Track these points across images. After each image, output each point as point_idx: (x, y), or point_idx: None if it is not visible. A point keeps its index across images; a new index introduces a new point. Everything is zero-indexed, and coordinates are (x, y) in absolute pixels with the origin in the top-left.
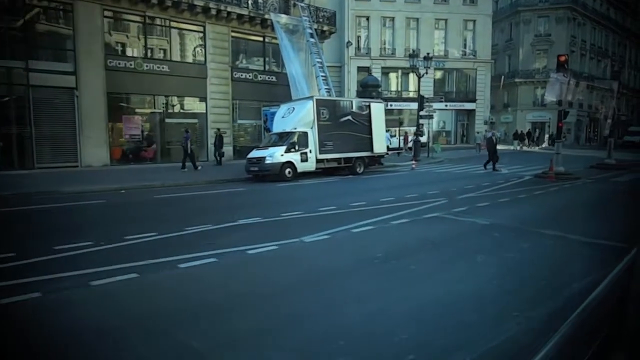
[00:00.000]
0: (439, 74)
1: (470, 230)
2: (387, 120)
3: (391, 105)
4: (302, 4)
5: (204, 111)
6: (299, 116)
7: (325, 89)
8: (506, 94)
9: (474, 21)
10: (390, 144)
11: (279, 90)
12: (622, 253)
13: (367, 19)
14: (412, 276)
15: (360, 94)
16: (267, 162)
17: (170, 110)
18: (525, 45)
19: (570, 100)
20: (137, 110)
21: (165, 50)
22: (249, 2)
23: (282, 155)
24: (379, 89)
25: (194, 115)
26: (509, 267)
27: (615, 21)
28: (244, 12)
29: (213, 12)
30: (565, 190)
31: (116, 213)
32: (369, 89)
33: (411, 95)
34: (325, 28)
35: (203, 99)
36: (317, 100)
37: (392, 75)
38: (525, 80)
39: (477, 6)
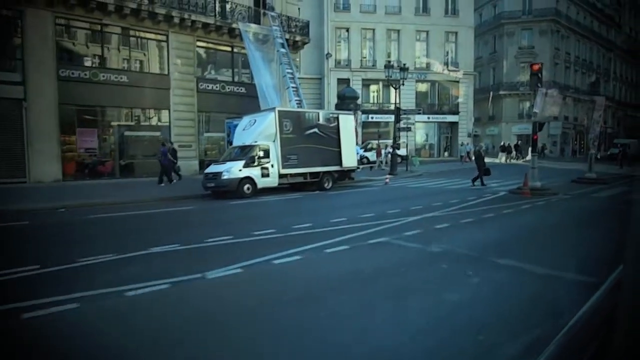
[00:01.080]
0: (423, 87)
1: (415, 260)
2: (367, 133)
3: (372, 118)
4: (273, 14)
5: (167, 124)
6: (260, 129)
7: (296, 100)
8: (491, 106)
9: (456, 33)
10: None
11: (249, 102)
12: (589, 290)
13: (347, 30)
14: (313, 326)
15: (338, 106)
16: (224, 177)
17: (130, 123)
18: (510, 57)
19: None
20: (93, 122)
21: (124, 60)
22: (216, 10)
23: (240, 170)
24: (357, 101)
25: (156, 128)
26: (441, 315)
27: (599, 34)
28: (210, 21)
29: (176, 20)
30: (538, 208)
31: (29, 236)
32: (346, 100)
33: (392, 107)
34: (298, 38)
35: (166, 111)
36: (279, 111)
37: (373, 88)
38: (510, 92)
39: (458, 18)
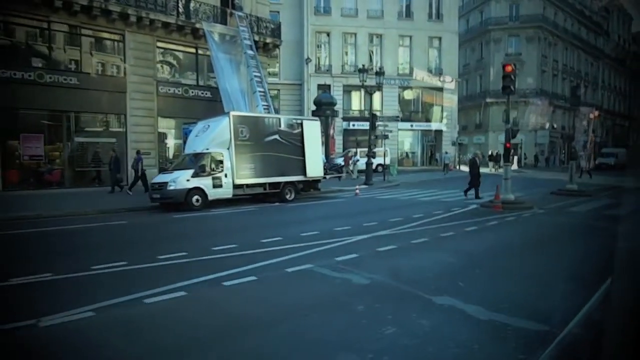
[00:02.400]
0: (406, 94)
1: (329, 297)
2: (351, 142)
3: (354, 125)
4: (240, 13)
5: (124, 129)
6: (212, 135)
7: (264, 105)
8: (478, 114)
9: (440, 38)
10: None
11: (215, 107)
12: (543, 344)
13: (328, 34)
14: None
15: (314, 113)
16: (170, 188)
17: (81, 128)
18: (496, 64)
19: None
20: (39, 127)
21: (75, 62)
22: (178, 9)
23: (188, 180)
24: (335, 107)
25: (111, 133)
26: None
27: (587, 41)
28: (171, 20)
29: (133, 19)
30: (506, 225)
31: None
32: (323, 107)
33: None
34: (269, 40)
35: (122, 115)
36: (234, 116)
37: (355, 94)
38: (496, 100)
39: (442, 23)
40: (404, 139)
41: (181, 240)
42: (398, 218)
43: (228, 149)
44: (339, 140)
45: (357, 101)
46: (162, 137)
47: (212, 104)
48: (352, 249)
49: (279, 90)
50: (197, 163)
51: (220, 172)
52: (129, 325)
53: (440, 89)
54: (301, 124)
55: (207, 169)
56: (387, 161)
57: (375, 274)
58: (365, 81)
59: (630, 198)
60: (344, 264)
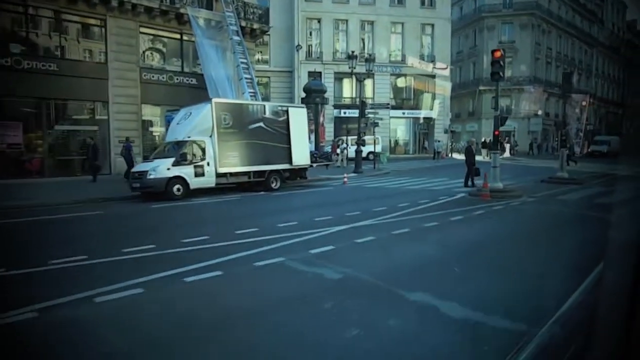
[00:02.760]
0: (399, 81)
1: (296, 293)
2: (340, 129)
3: (345, 113)
4: None
5: (106, 117)
6: (193, 122)
7: (250, 92)
8: (471, 102)
9: (432, 25)
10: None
11: (201, 94)
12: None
13: (319, 21)
14: None
15: (304, 100)
16: (150, 177)
17: (62, 116)
18: (490, 52)
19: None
20: (17, 115)
21: (55, 47)
22: None
23: (168, 169)
24: (324, 95)
25: (93, 121)
26: None
27: (581, 29)
28: (154, 5)
29: (114, 3)
30: (492, 215)
31: None
32: (312, 94)
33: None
34: (256, 26)
35: (104, 103)
36: (216, 103)
37: (346, 81)
38: (490, 88)
39: (435, 9)
40: (396, 126)
41: (153, 231)
42: (382, 207)
43: (210, 136)
44: (330, 128)
45: (348, 89)
46: (146, 124)
47: (198, 91)
48: (330, 241)
49: (269, 77)
50: (178, 151)
51: (202, 160)
52: (72, 328)
53: (433, 76)
54: (287, 111)
55: (189, 157)
56: (379, 149)
57: (350, 267)
58: (355, 68)
59: (622, 185)
60: (318, 257)
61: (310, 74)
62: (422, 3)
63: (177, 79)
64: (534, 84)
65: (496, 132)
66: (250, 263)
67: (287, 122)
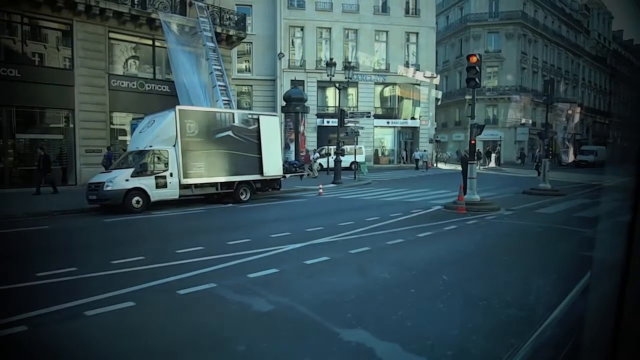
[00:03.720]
0: (383, 90)
1: (216, 328)
2: (323, 139)
3: (329, 122)
4: (200, 4)
5: (72, 125)
6: (156, 131)
7: (224, 100)
8: (457, 111)
9: (417, 34)
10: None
11: (174, 102)
12: None
13: (302, 29)
14: None
15: (284, 109)
16: (107, 189)
17: (24, 124)
18: None
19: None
20: None
21: (16, 52)
22: None
23: (126, 180)
24: (304, 103)
25: (57, 130)
26: None
27: (567, 39)
28: (123, 9)
29: (81, 7)
30: (464, 230)
31: None
32: (292, 102)
33: (350, 111)
34: (232, 32)
35: (70, 110)
36: (180, 111)
37: (330, 90)
38: (476, 97)
39: (419, 18)
40: (380, 136)
41: (84, 251)
42: (349, 221)
43: (174, 146)
44: (312, 138)
45: (332, 97)
46: (116, 133)
47: (170, 99)
48: (277, 262)
49: (251, 86)
50: (139, 161)
51: (164, 171)
52: None
53: (418, 85)
54: (257, 120)
55: (150, 167)
56: (361, 159)
57: (287, 296)
58: (334, 76)
59: (607, 196)
60: (255, 283)
61: (293, 82)
62: (407, 11)
63: (149, 87)
64: (520, 94)
65: (472, 141)
66: (174, 291)
67: (257, 130)
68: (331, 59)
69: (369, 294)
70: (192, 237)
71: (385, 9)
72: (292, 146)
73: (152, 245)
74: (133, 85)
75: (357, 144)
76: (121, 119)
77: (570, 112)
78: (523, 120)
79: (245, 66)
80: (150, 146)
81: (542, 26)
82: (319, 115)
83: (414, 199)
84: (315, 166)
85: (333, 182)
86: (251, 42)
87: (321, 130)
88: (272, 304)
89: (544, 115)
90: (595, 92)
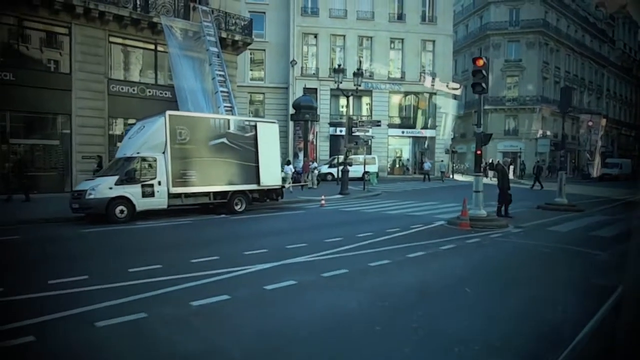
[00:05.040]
0: (398, 98)
1: None
2: (336, 148)
3: (341, 132)
4: (204, 8)
5: (68, 131)
6: (145, 137)
7: (226, 107)
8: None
9: (434, 41)
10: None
11: (176, 108)
12: None
13: (315, 36)
14: None
15: (293, 117)
16: (89, 197)
17: (18, 129)
18: (495, 70)
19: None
20: None
21: (11, 55)
22: (135, 1)
23: (110, 188)
24: (315, 111)
25: (54, 135)
26: None
27: (591, 49)
28: (124, 13)
29: (79, 10)
30: (462, 250)
31: None
32: (302, 110)
33: (360, 120)
34: (238, 38)
35: (67, 115)
36: (170, 116)
37: (344, 99)
38: (495, 107)
39: (436, 25)
40: (397, 146)
41: (41, 265)
42: (339, 238)
43: (163, 153)
44: (325, 147)
45: (346, 106)
46: (114, 140)
47: (172, 105)
48: (233, 286)
49: (264, 94)
50: (124, 169)
51: (152, 179)
52: None
53: (434, 94)
54: (255, 127)
55: (136, 175)
56: (374, 169)
57: (224, 334)
58: (342, 82)
59: (629, 213)
60: (196, 313)
61: (305, 90)
62: (423, 19)
63: (150, 92)
64: (542, 104)
65: (478, 152)
66: (92, 322)
67: (255, 138)
68: (339, 66)
69: (326, 331)
70: (158, 252)
71: (401, 16)
72: (301, 155)
73: (109, 261)
74: (134, 90)
75: (368, 154)
76: (121, 125)
77: (591, 123)
78: (547, 133)
79: (258, 74)
80: (138, 153)
81: (565, 35)
82: (331, 124)
83: (419, 213)
84: (315, 176)
85: (340, 193)
86: (264, 50)
87: (333, 140)
88: (203, 345)
89: (566, 126)
90: (620, 103)
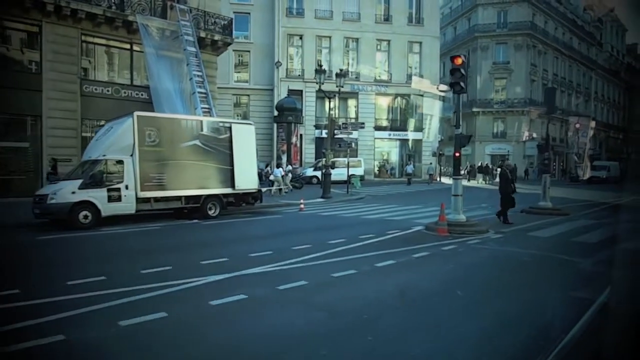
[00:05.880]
0: (385, 101)
1: None
2: (322, 150)
3: (327, 134)
4: (182, 6)
5: (38, 133)
6: (111, 139)
7: (204, 109)
8: (465, 124)
9: (420, 43)
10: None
11: (152, 110)
12: None
13: (301, 37)
14: None
15: (276, 119)
16: (51, 202)
17: None
18: (483, 73)
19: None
20: None
21: None
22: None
23: (73, 192)
24: (298, 113)
25: (24, 137)
26: None
27: (579, 52)
28: (98, 11)
29: (50, 8)
30: (436, 258)
31: None
32: (285, 112)
33: (344, 122)
34: (218, 37)
35: (37, 117)
36: (139, 117)
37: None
38: (483, 110)
39: (423, 27)
40: (385, 148)
41: None
42: (308, 245)
43: (131, 155)
44: (311, 149)
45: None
46: (87, 142)
47: (149, 106)
48: (174, 301)
49: (249, 95)
50: (89, 172)
51: (118, 183)
52: None
53: (420, 96)
54: (230, 128)
55: (102, 179)
56: (360, 172)
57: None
58: (323, 83)
59: (624, 215)
60: (119, 337)
61: (291, 92)
62: (410, 20)
63: (125, 93)
64: (530, 107)
65: (456, 154)
66: (7, 345)
67: (229, 140)
68: (320, 66)
69: (257, 357)
70: (108, 262)
71: (387, 17)
72: (284, 158)
73: (47, 273)
74: (108, 91)
75: (351, 156)
76: (94, 127)
77: (578, 125)
78: (535, 135)
79: (243, 76)
80: (104, 155)
81: (553, 37)
82: (317, 127)
83: (398, 217)
84: (287, 179)
85: (322, 197)
86: (249, 51)
87: (319, 142)
88: None
89: (554, 129)
90: (608, 106)
